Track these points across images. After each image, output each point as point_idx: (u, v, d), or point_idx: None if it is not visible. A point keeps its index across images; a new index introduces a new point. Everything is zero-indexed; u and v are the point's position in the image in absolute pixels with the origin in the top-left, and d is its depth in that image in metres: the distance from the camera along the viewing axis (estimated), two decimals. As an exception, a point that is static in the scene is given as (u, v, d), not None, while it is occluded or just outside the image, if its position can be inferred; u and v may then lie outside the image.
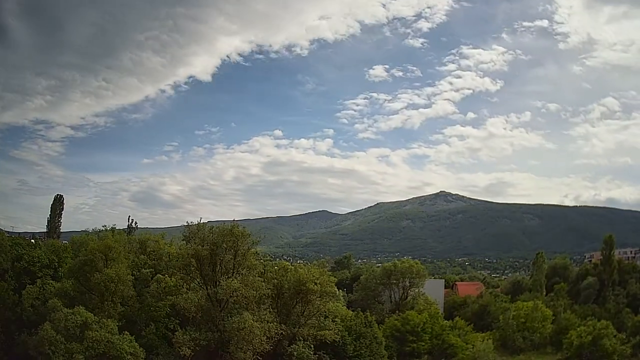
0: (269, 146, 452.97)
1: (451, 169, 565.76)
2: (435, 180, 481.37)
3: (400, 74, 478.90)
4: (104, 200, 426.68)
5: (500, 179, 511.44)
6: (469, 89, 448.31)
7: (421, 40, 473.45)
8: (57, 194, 72.24)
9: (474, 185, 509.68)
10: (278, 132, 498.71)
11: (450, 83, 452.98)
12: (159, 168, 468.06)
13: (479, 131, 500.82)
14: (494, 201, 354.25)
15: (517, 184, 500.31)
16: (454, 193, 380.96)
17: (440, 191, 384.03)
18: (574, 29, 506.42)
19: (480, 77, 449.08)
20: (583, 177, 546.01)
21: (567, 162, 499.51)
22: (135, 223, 58.80)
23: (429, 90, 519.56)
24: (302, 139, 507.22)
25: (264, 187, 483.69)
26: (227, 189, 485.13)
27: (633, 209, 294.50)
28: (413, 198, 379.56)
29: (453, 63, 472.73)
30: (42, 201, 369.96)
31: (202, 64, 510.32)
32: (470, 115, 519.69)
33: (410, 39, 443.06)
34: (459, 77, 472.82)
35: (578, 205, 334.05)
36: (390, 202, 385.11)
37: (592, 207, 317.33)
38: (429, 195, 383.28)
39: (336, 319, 40.06)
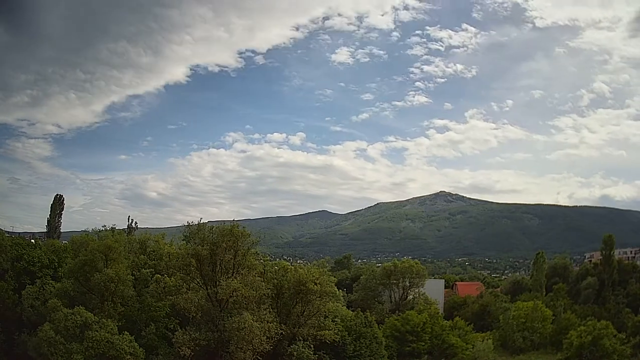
0: (244, 142, 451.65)
1: (433, 163, 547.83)
2: (418, 175, 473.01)
3: (367, 59, 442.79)
4: (93, 199, 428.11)
5: (488, 175, 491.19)
6: (441, 77, 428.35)
7: (384, 19, 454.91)
8: (57, 194, 72.59)
9: (459, 181, 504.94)
10: (250, 128, 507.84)
11: (421, 70, 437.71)
12: (140, 166, 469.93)
13: (457, 123, 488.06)
14: (494, 201, 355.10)
15: (504, 180, 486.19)
16: (453, 193, 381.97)
17: (440, 191, 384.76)
18: (550, 2, 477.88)
19: (453, 64, 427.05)
20: (575, 173, 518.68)
21: (556, 155, 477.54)
22: (136, 223, 58.73)
23: (399, 78, 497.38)
24: (276, 134, 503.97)
25: (247, 183, 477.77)
26: (208, 185, 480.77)
27: (633, 208, 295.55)
28: (413, 198, 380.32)
29: (420, 45, 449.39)
30: (34, 200, 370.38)
31: (178, 56, 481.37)
32: (448, 106, 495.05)
33: (371, 17, 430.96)
34: (429, 63, 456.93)
35: (578, 205, 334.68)
36: (390, 202, 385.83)
37: (592, 207, 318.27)
38: (429, 195, 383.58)
39: (336, 319, 40.09)
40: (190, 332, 32.11)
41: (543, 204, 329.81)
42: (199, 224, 35.53)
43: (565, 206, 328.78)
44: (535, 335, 50.92)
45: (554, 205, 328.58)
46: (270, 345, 33.28)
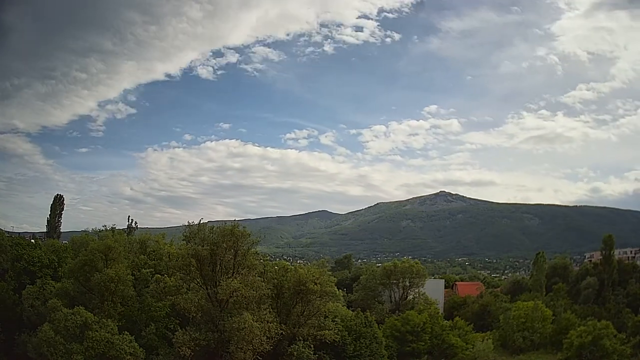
0: (193, 135, 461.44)
1: (396, 151, 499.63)
2: (383, 168, 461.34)
3: (296, 29, 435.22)
4: (73, 197, 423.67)
5: (460, 167, 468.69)
6: (378, 51, 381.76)
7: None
8: (57, 194, 72.43)
9: (426, 173, 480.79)
10: (196, 120, 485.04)
11: (356, 38, 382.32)
12: (105, 162, 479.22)
13: (415, 109, 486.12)
14: (494, 201, 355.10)
15: (477, 172, 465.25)
16: (453, 193, 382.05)
17: (440, 191, 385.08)
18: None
19: (390, 32, 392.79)
20: (558, 165, 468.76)
21: (531, 144, 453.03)
22: (135, 223, 58.88)
23: (329, 48, 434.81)
24: (223, 124, 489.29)
25: (209, 177, 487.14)
26: (172, 179, 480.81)
27: (633, 208, 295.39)
28: (413, 198, 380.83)
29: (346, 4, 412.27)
30: (21, 198, 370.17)
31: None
32: (397, 89, 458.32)
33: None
34: (360, 28, 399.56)
35: (578, 205, 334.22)
36: (390, 202, 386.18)
37: (592, 206, 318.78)
38: (429, 195, 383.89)
39: (336, 319, 40.06)
40: (190, 332, 32.10)
41: (543, 204, 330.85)
42: (199, 224, 35.55)
43: (565, 206, 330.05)
44: (535, 335, 50.88)
45: (554, 205, 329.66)
46: (271, 345, 33.28)
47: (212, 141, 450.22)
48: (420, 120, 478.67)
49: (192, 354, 31.40)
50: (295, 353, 34.77)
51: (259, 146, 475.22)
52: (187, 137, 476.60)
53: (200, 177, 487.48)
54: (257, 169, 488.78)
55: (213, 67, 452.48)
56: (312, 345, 35.72)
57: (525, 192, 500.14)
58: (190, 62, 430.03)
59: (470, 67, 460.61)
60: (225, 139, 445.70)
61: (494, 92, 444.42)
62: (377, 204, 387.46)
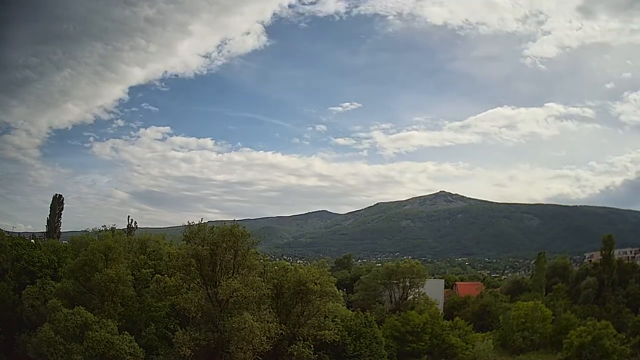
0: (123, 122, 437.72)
1: (338, 134, 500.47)
2: (327, 156, 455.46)
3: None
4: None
5: (416, 156, 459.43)
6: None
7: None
8: (57, 194, 72.45)
9: (380, 163, 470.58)
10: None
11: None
12: (78, 161, 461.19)
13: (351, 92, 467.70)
14: (494, 201, 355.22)
15: (431, 160, 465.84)
16: (453, 193, 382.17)
17: (440, 191, 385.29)
18: None
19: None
20: (520, 151, 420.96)
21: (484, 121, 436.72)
22: (135, 223, 58.97)
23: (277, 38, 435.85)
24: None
25: (159, 168, 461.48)
26: (131, 171, 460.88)
27: (633, 208, 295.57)
28: (413, 198, 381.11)
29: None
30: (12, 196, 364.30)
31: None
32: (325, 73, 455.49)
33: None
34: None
35: (578, 205, 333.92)
36: (390, 202, 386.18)
37: (592, 206, 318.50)
38: (429, 195, 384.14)
39: (336, 319, 40.05)
40: (191, 332, 32.10)
41: (543, 204, 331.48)
42: (199, 224, 35.57)
43: (565, 206, 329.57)
44: (535, 335, 50.89)
45: (554, 205, 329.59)
46: (270, 345, 33.27)
47: (145, 128, 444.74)
48: (354, 103, 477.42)
49: (192, 354, 31.40)
50: (295, 353, 34.77)
51: (189, 137, 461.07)
52: (120, 122, 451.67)
53: (149, 169, 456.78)
54: (197, 159, 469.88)
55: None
56: (312, 345, 35.70)
57: (497, 183, 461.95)
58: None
59: (427, 51, 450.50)
60: (159, 126, 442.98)
61: (445, 74, 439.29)
62: (377, 204, 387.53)
